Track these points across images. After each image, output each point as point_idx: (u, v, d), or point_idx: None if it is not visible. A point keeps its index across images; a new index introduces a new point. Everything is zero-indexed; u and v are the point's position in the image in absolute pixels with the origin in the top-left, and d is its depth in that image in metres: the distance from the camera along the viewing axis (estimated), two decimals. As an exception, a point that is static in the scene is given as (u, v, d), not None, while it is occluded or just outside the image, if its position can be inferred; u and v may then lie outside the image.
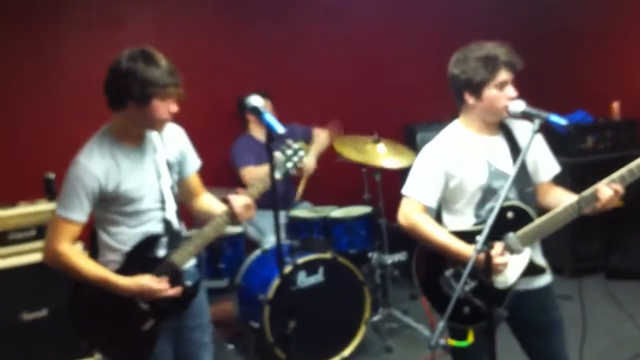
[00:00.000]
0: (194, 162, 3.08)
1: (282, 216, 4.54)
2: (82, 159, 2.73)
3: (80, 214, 2.72)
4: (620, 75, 6.26)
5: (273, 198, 2.74)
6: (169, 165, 2.91)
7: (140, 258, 2.82)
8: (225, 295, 5.02)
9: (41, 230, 4.40)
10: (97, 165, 2.71)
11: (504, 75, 2.76)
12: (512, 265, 2.76)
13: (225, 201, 2.94)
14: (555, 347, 2.95)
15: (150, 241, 2.84)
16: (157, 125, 2.79)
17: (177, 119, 5.73)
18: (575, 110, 6.00)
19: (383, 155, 4.98)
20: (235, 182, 5.25)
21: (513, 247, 2.74)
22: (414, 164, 2.96)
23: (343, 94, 6.23)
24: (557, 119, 2.62)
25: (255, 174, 5.08)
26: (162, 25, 5.62)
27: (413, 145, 5.67)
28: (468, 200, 2.87)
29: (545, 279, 2.93)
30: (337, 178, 5.79)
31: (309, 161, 5.18)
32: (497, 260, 2.64)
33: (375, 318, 4.93)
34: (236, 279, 4.73)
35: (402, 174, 3.01)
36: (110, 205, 2.77)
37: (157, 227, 2.85)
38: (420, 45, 6.47)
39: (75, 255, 2.77)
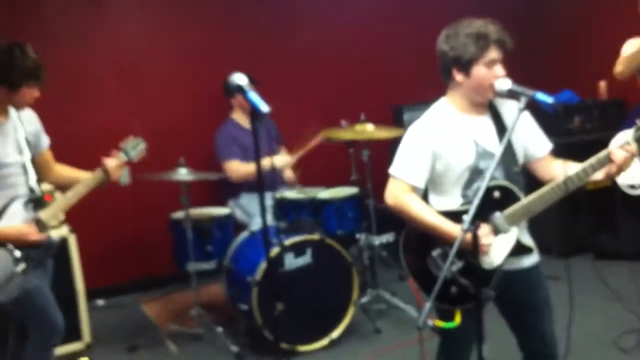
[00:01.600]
0: (45, 140, 3.56)
1: (269, 197, 4.52)
2: None
3: None
4: (606, 55, 6.23)
5: (258, 181, 2.72)
6: (28, 142, 3.37)
7: (11, 215, 3.25)
8: (215, 278, 5.02)
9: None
10: None
11: (493, 53, 2.73)
12: (499, 245, 2.76)
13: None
14: (543, 327, 2.95)
15: (18, 201, 3.28)
16: (22, 106, 3.32)
17: (165, 105, 5.73)
18: (562, 90, 5.99)
19: (371, 132, 4.97)
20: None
21: (500, 227, 2.73)
22: (401, 144, 2.94)
23: (329, 77, 6.23)
24: (543, 97, 2.60)
25: (242, 169, 5.06)
26: (150, 11, 5.59)
27: (400, 125, 5.68)
28: (455, 180, 2.85)
29: (533, 259, 2.92)
30: (324, 159, 5.78)
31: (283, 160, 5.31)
32: (483, 241, 2.63)
33: (364, 299, 4.93)
34: (224, 261, 4.72)
35: (390, 154, 2.98)
36: None
37: (20, 191, 3.30)
38: (407, 25, 6.46)
39: None
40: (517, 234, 2.81)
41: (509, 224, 2.74)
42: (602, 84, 6.11)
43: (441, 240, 2.79)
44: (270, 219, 4.58)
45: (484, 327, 2.62)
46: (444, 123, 2.87)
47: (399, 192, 2.88)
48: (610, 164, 2.68)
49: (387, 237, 5.13)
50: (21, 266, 3.22)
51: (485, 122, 2.88)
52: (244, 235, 4.76)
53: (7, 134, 3.30)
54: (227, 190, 5.34)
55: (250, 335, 4.58)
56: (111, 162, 3.45)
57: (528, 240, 2.89)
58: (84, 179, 3.44)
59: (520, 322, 2.98)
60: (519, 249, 2.82)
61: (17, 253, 3.22)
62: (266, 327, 4.25)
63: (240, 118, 5.35)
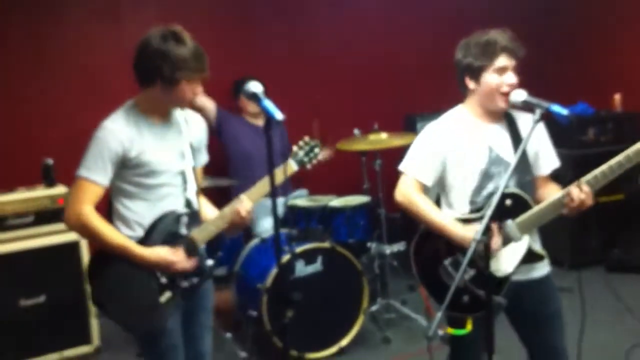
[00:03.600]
0: (204, 156, 3.14)
1: (279, 204, 4.53)
2: (108, 123, 2.76)
3: (102, 176, 2.72)
4: (622, 68, 6.23)
5: (271, 187, 2.71)
6: (192, 148, 2.96)
7: (161, 232, 2.84)
8: (224, 284, 5.02)
9: (39, 216, 4.40)
10: (122, 130, 2.73)
11: (503, 60, 2.76)
12: (510, 253, 2.76)
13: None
14: (554, 339, 2.94)
15: (172, 217, 2.87)
16: (183, 104, 2.88)
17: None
18: (577, 102, 5.97)
19: (384, 140, 4.98)
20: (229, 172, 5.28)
21: (512, 235, 2.73)
22: (414, 143, 2.96)
23: (343, 85, 6.22)
24: (558, 109, 2.60)
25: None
26: (164, 14, 5.60)
27: (414, 134, 5.66)
28: (465, 185, 2.86)
29: (544, 270, 2.92)
30: (336, 167, 5.77)
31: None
32: (498, 245, 2.64)
33: (374, 308, 4.92)
34: (235, 268, 4.72)
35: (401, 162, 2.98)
36: (129, 174, 2.78)
37: (175, 205, 2.88)
38: (421, 36, 6.45)
39: (98, 218, 2.75)
40: (529, 241, 2.80)
41: (520, 232, 2.74)
42: (617, 97, 6.08)
43: (452, 249, 2.78)
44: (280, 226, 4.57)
45: (494, 338, 2.61)
46: (459, 126, 2.89)
47: (408, 190, 2.90)
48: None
49: (398, 247, 5.12)
50: (166, 295, 2.85)
51: (500, 130, 2.90)
52: (254, 242, 4.76)
53: (168, 137, 2.87)
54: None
55: (258, 342, 4.57)
56: (245, 206, 2.98)
57: (539, 248, 2.89)
58: (219, 214, 3.00)
59: (531, 333, 2.97)
60: (531, 257, 2.82)
61: (163, 279, 2.84)
62: (275, 333, 4.25)
63: (250, 118, 5.41)
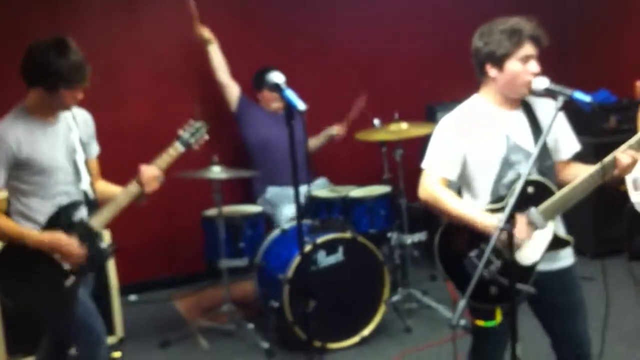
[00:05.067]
0: (95, 147, 3.35)
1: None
2: None
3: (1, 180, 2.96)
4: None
5: (294, 176, 2.72)
6: (82, 143, 3.17)
7: (58, 225, 3.04)
8: (246, 275, 5.04)
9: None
10: (10, 133, 2.93)
11: (528, 49, 2.73)
12: (536, 241, 2.74)
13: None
14: (577, 329, 2.93)
15: (67, 209, 3.08)
16: (64, 109, 3.08)
17: (191, 95, 5.67)
18: (598, 90, 5.92)
19: (405, 130, 4.96)
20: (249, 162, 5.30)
21: (536, 222, 2.71)
22: (432, 138, 2.94)
23: (363, 75, 6.20)
24: (581, 95, 2.59)
25: None
26: (182, 8, 5.63)
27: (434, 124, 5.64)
28: (486, 174, 2.84)
29: (568, 260, 2.90)
30: (356, 157, 5.78)
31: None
32: (521, 234, 2.63)
33: (395, 298, 4.92)
34: (256, 259, 4.74)
35: (422, 153, 2.97)
36: (23, 174, 2.99)
37: (70, 198, 3.09)
38: (441, 25, 6.40)
39: None
40: (554, 227, 2.78)
41: (544, 219, 2.73)
42: (639, 84, 6.02)
43: (478, 241, 2.76)
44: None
45: (518, 327, 2.60)
46: (476, 115, 2.87)
47: (431, 186, 2.88)
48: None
49: (419, 236, 5.11)
50: (70, 280, 3.07)
51: (518, 116, 2.87)
52: (275, 232, 4.77)
53: (57, 135, 3.08)
54: (256, 185, 5.37)
55: (280, 332, 4.59)
56: (147, 172, 3.18)
57: (564, 233, 2.87)
58: (123, 189, 3.23)
59: (554, 323, 2.96)
60: (557, 243, 2.80)
61: (65, 265, 3.06)
62: (297, 324, 4.26)
63: (270, 110, 5.43)
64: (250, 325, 4.69)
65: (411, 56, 6.39)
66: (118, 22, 5.47)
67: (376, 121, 5.09)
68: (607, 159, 2.70)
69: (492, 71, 2.80)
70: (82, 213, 3.14)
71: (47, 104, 3.02)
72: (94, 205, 3.18)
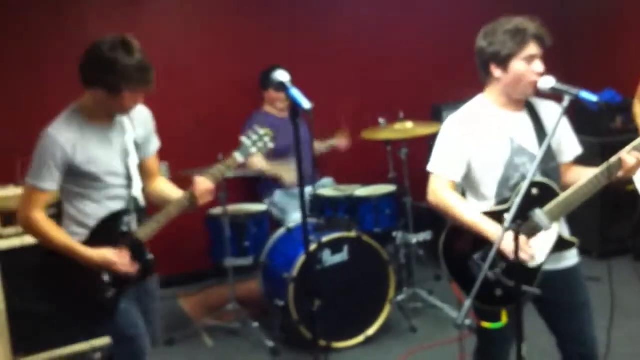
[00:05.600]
0: (155, 143, 3.20)
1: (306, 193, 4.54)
2: (51, 130, 2.84)
3: (49, 183, 2.84)
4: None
5: (299, 176, 2.71)
6: (136, 146, 3.03)
7: (106, 232, 2.95)
8: (251, 274, 5.04)
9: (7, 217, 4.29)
10: (65, 137, 2.82)
11: (532, 48, 2.72)
12: (541, 242, 2.73)
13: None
14: (583, 328, 2.92)
15: (117, 216, 2.98)
16: (122, 112, 2.94)
17: (202, 101, 5.67)
18: (604, 89, 5.91)
19: (410, 129, 4.95)
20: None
21: (541, 224, 2.71)
22: (437, 140, 2.93)
23: (368, 74, 6.20)
24: (587, 95, 2.58)
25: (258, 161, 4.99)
26: (185, 3, 5.63)
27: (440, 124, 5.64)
28: (491, 176, 2.83)
29: (573, 260, 2.90)
30: (361, 156, 5.77)
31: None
32: (523, 251, 2.62)
33: (400, 298, 4.92)
34: (261, 257, 4.74)
35: (428, 152, 2.97)
36: (77, 178, 2.89)
37: (122, 204, 2.99)
38: (446, 24, 6.40)
39: (46, 223, 2.89)
40: (558, 229, 2.78)
41: (549, 220, 2.72)
42: (644, 83, 6.02)
43: (483, 243, 2.75)
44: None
45: (524, 327, 2.60)
46: (480, 117, 2.86)
47: (439, 189, 2.87)
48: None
49: (424, 236, 5.11)
50: (111, 292, 2.97)
51: (523, 118, 2.87)
52: (280, 231, 4.78)
53: (111, 139, 2.95)
54: (262, 187, 5.36)
55: (285, 331, 4.60)
56: (201, 185, 3.08)
57: (569, 235, 2.87)
58: (174, 200, 3.10)
59: (559, 323, 2.95)
60: (562, 244, 2.80)
61: (106, 277, 2.94)
62: (302, 323, 4.27)
63: (271, 110, 5.39)
64: (255, 324, 4.69)
65: (417, 55, 6.39)
66: (119, 17, 5.46)
67: (381, 120, 5.08)
68: (613, 159, 2.69)
69: (496, 71, 2.79)
70: (130, 221, 3.03)
71: (105, 106, 2.88)
72: (143, 212, 3.08)
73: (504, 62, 2.75)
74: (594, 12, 6.62)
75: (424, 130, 4.87)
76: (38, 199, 2.86)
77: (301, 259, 4.26)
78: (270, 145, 3.25)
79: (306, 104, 2.56)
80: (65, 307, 3.01)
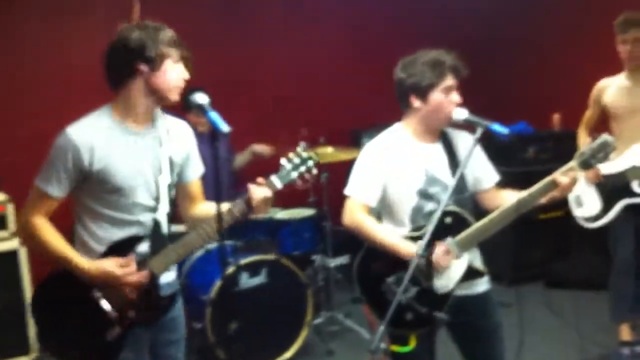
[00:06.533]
0: (197, 167, 2.85)
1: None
2: (70, 128, 2.50)
3: (56, 188, 2.50)
4: (560, 88, 6.40)
5: (217, 194, 2.63)
6: (172, 163, 2.67)
7: (117, 255, 2.55)
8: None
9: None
10: (83, 138, 2.46)
11: (449, 80, 2.82)
12: (451, 270, 2.80)
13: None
14: (494, 353, 2.99)
15: (131, 241, 2.58)
16: (170, 92, 2.57)
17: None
18: (517, 122, 6.12)
19: (330, 154, 4.99)
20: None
21: (452, 252, 2.78)
22: (355, 165, 2.99)
23: (289, 99, 6.23)
24: (499, 127, 2.69)
25: None
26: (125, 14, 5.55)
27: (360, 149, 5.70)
28: (404, 204, 2.91)
29: (484, 286, 2.98)
30: (282, 180, 5.77)
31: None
32: (440, 259, 2.69)
33: (318, 320, 4.94)
34: (180, 278, 4.67)
35: (347, 176, 3.02)
36: (94, 189, 2.52)
37: (141, 227, 2.61)
38: (365, 52, 6.52)
39: (46, 229, 2.53)
40: (469, 258, 2.86)
41: (460, 249, 2.80)
42: (556, 116, 6.27)
43: (396, 267, 2.80)
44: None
45: (436, 352, 2.65)
46: (396, 146, 2.94)
47: (355, 212, 2.93)
48: (556, 188, 2.77)
49: (343, 260, 5.15)
50: (114, 332, 2.54)
51: (437, 149, 2.96)
52: (199, 252, 4.73)
53: (144, 147, 2.58)
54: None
55: (202, 353, 4.54)
56: (258, 193, 2.66)
57: (480, 265, 2.95)
58: (200, 225, 2.64)
59: (470, 347, 3.02)
60: (471, 273, 2.87)
61: (106, 305, 2.52)
62: (219, 345, 4.22)
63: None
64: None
65: (337, 81, 6.47)
66: (57, 25, 5.35)
67: (302, 145, 5.09)
68: (523, 195, 2.77)
69: (416, 102, 2.87)
70: (145, 249, 2.61)
71: (145, 96, 2.53)
72: (161, 240, 2.65)
73: (423, 93, 2.84)
74: (509, 46, 6.82)
75: (344, 155, 4.93)
76: (42, 203, 2.51)
77: (219, 281, 4.23)
78: (314, 170, 2.77)
79: (225, 127, 2.52)
80: (58, 347, 2.61)
